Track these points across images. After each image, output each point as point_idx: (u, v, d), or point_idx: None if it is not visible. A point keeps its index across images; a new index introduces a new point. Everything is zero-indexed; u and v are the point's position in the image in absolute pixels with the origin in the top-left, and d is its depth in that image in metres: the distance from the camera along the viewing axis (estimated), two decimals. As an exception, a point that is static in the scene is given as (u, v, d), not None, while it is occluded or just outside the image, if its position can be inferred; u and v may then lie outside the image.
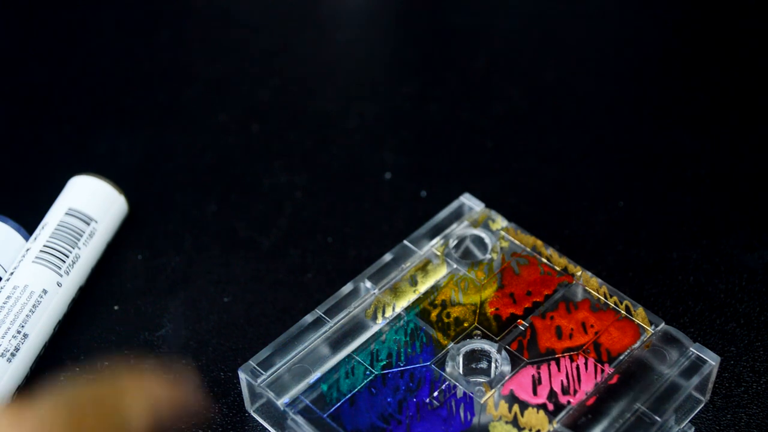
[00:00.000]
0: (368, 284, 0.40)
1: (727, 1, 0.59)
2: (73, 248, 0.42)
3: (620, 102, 0.53)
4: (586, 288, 0.40)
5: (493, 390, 0.37)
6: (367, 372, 0.38)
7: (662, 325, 0.38)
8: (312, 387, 0.37)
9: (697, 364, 0.37)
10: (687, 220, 0.46)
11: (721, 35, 0.57)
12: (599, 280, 0.40)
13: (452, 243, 0.42)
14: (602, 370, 0.37)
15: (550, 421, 0.36)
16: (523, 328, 0.39)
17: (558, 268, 0.41)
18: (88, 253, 0.43)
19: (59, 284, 0.41)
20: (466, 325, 0.39)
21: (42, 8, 0.57)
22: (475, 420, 0.36)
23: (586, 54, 0.56)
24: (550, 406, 0.36)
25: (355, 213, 0.47)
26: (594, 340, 0.38)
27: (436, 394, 0.37)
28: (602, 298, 0.40)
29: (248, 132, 0.51)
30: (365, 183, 0.49)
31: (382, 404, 0.37)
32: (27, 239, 0.43)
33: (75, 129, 0.51)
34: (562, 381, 0.37)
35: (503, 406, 0.36)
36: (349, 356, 0.38)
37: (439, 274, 0.41)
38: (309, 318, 0.39)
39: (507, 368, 0.37)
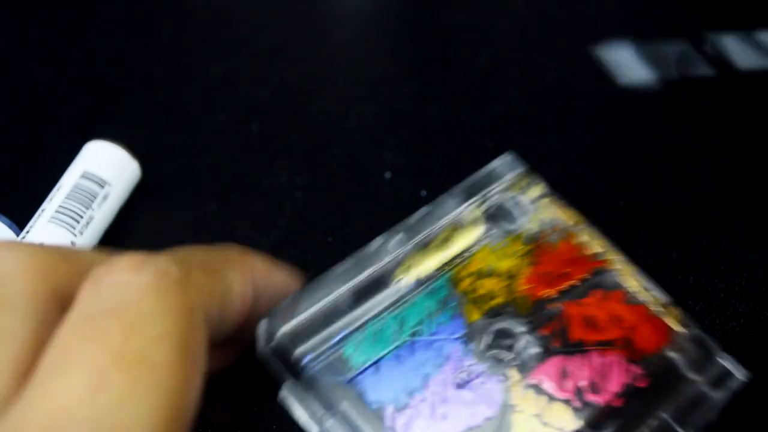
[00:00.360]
0: (399, 240, 0.38)
1: (727, 1, 0.58)
2: (87, 210, 0.44)
3: (620, 102, 0.53)
4: (623, 277, 0.38)
5: (521, 377, 0.35)
6: (394, 338, 0.36)
7: (694, 329, 0.37)
8: (335, 346, 0.35)
9: (724, 376, 0.36)
10: (687, 220, 0.46)
11: (722, 35, 0.57)
12: (637, 270, 0.38)
13: (490, 205, 0.40)
14: (632, 371, 0.36)
15: (576, 420, 0.34)
16: (556, 312, 0.37)
17: (597, 250, 0.39)
18: (102, 215, 0.45)
19: (73, 244, 0.43)
20: (497, 300, 0.37)
21: (42, 8, 0.57)
22: (499, 407, 0.35)
23: (586, 54, 0.56)
24: (576, 403, 0.35)
25: (355, 213, 0.47)
26: (625, 335, 0.36)
27: (463, 373, 0.35)
28: (638, 290, 0.38)
29: (248, 132, 0.51)
30: (365, 183, 0.49)
31: (408, 377, 0.35)
32: (18, 235, 0.44)
33: (74, 128, 0.51)
34: (590, 377, 0.35)
35: (529, 396, 0.35)
36: (376, 317, 0.36)
37: (473, 238, 0.39)
38: (337, 269, 0.37)
39: (537, 355, 0.36)
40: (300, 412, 0.34)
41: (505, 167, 0.41)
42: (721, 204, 0.47)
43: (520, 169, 0.41)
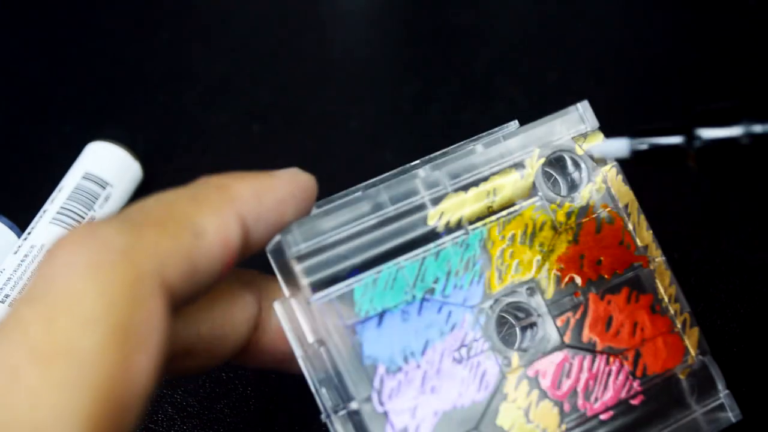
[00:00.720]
0: (440, 174, 0.34)
1: (728, 1, 0.58)
2: (89, 211, 0.44)
3: (620, 102, 0.53)
4: (658, 280, 0.36)
5: (521, 365, 0.33)
6: (407, 292, 0.32)
7: (707, 356, 0.36)
8: (345, 280, 0.32)
9: (720, 411, 0.35)
10: (687, 219, 0.46)
11: (723, 36, 0.57)
12: (672, 277, 0.36)
13: (549, 156, 0.35)
14: (631, 387, 0.34)
15: (560, 424, 0.33)
16: (577, 302, 0.34)
17: (639, 243, 0.36)
18: (103, 216, 0.45)
19: None
20: (523, 274, 0.34)
21: (42, 8, 0.57)
22: (490, 393, 0.33)
23: (586, 54, 0.56)
24: (566, 407, 0.33)
25: (355, 213, 0.47)
26: (638, 347, 0.35)
27: (464, 348, 0.33)
28: (666, 299, 0.36)
29: (249, 132, 0.51)
30: (366, 183, 0.49)
31: (408, 338, 0.32)
32: (19, 237, 0.44)
33: (74, 129, 0.51)
34: (588, 382, 0.34)
35: (523, 388, 0.33)
36: (396, 261, 0.33)
37: (521, 194, 0.35)
38: (369, 194, 0.34)
39: (544, 345, 0.34)
40: (289, 331, 0.31)
41: (576, 117, 0.36)
42: (721, 205, 0.47)
43: (592, 124, 0.36)
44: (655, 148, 0.31)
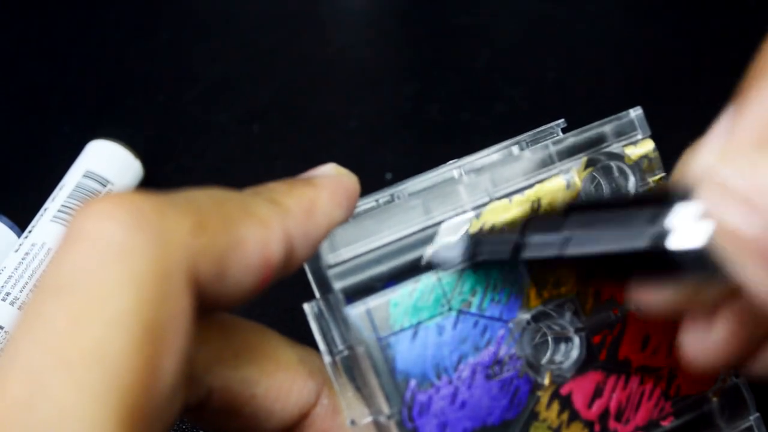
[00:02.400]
0: (486, 182, 0.32)
1: (729, 1, 0.58)
2: None
3: (620, 102, 0.53)
4: None
5: (554, 384, 0.32)
6: (443, 304, 0.31)
7: (740, 378, 0.35)
8: (381, 290, 0.31)
9: None
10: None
11: (722, 36, 0.57)
12: None
13: (594, 165, 0.34)
14: (662, 408, 0.33)
15: None
16: (615, 320, 0.33)
17: None
18: None
19: None
20: (563, 290, 0.33)
21: (42, 8, 0.57)
22: (521, 411, 0.32)
23: (586, 54, 0.56)
24: (597, 427, 0.32)
25: (356, 213, 0.47)
26: (673, 367, 0.34)
27: (497, 364, 0.32)
28: None
29: (249, 132, 0.51)
30: (366, 183, 0.48)
31: (442, 353, 0.31)
32: (19, 236, 0.44)
33: (74, 129, 0.51)
34: (620, 402, 0.33)
35: (555, 407, 0.32)
36: (434, 272, 0.31)
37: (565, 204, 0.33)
38: (411, 202, 0.32)
39: (578, 365, 0.33)
40: (318, 334, 0.30)
41: (628, 125, 0.35)
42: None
43: (643, 132, 0.35)
44: (488, 260, 0.31)
